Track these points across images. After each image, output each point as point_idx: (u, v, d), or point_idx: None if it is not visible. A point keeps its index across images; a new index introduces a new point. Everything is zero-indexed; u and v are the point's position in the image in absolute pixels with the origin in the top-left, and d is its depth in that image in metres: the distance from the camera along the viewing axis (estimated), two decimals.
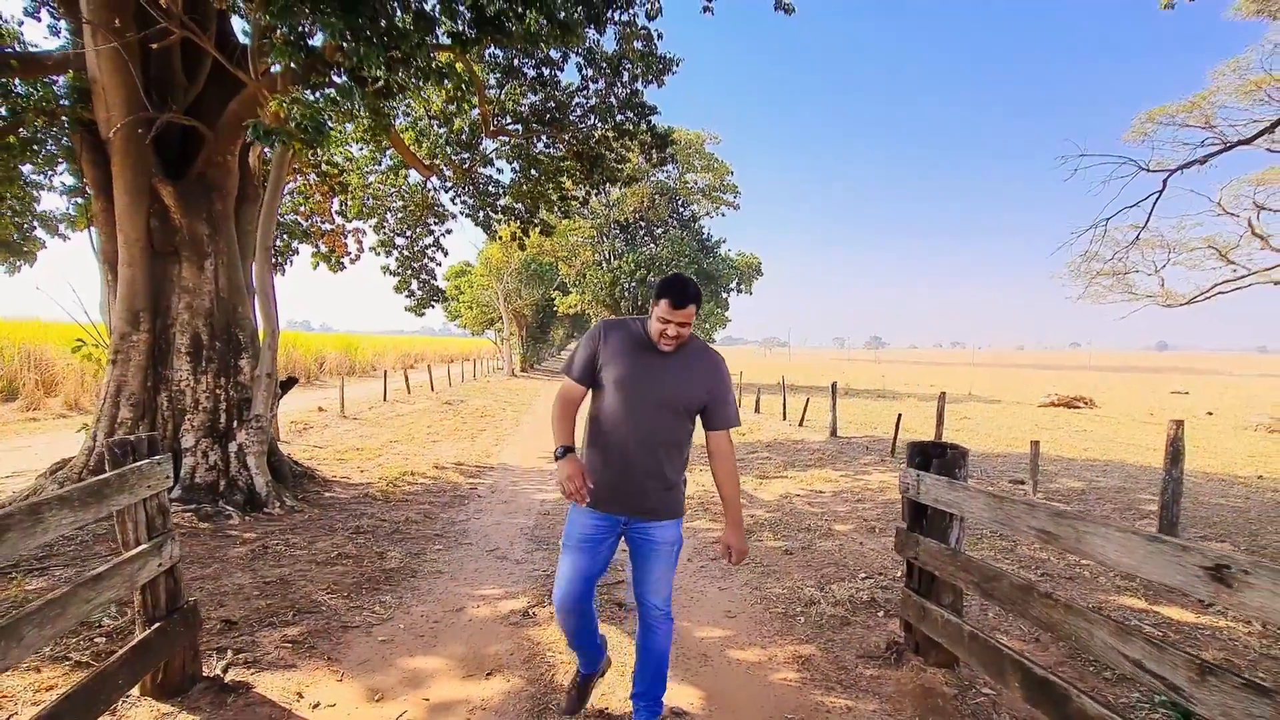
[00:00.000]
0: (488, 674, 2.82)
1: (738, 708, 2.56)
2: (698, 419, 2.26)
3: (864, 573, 4.16)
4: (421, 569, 4.29)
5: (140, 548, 2.40)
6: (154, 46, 5.05)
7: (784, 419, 13.79)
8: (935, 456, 2.85)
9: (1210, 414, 18.43)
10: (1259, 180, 13.07)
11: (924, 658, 2.91)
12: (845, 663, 2.93)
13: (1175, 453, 4.90)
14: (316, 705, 2.54)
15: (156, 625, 2.46)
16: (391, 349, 39.30)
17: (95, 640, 2.93)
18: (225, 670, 2.75)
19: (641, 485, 2.16)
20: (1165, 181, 8.96)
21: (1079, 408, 20.26)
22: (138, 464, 2.43)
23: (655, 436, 2.14)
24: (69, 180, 7.36)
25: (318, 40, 4.71)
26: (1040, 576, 4.13)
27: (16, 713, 2.35)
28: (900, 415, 9.38)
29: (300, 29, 3.46)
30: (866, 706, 2.56)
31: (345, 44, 3.30)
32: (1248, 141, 8.42)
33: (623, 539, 2.28)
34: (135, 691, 2.49)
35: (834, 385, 11.54)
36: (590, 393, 2.28)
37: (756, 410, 15.88)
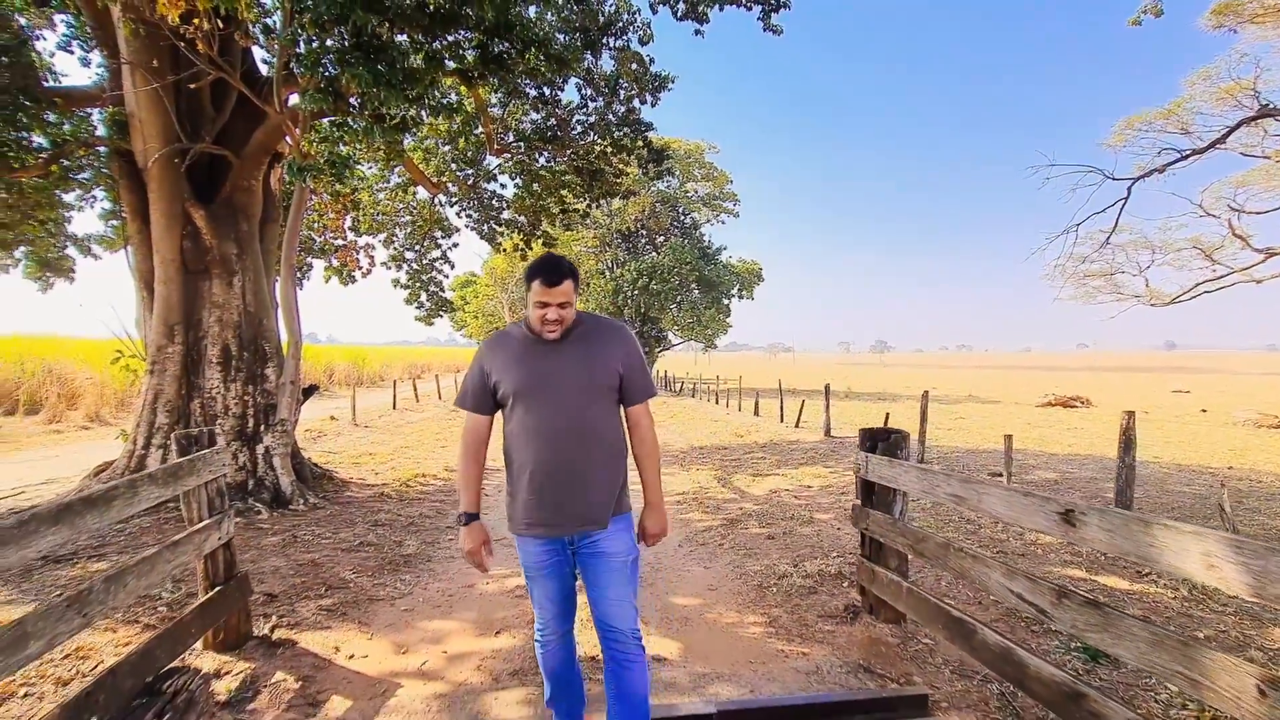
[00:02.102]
0: (496, 632, 3.27)
1: (710, 655, 2.99)
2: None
3: (836, 552, 4.58)
4: (436, 555, 4.73)
5: (204, 522, 2.87)
6: (193, 86, 5.55)
7: (781, 421, 14.20)
8: (881, 440, 3.30)
9: (1204, 411, 18.73)
10: (1239, 182, 13.48)
11: (875, 616, 3.34)
12: (807, 621, 3.36)
13: (1127, 442, 5.31)
14: (351, 656, 3.00)
15: (217, 589, 2.92)
16: (398, 359, 39.91)
17: (158, 609, 3.40)
18: (272, 631, 3.21)
19: (586, 487, 1.94)
20: (1129, 189, 9.38)
21: (1075, 407, 20.58)
22: (202, 452, 2.91)
23: (585, 427, 1.93)
24: (105, 205, 7.89)
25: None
26: (997, 553, 4.54)
27: (102, 660, 2.81)
28: (888, 414, 9.79)
29: (330, 76, 3.96)
30: (819, 652, 2.99)
31: (369, 89, 3.79)
32: (1201, 152, 8.84)
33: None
34: (198, 646, 2.94)
35: (827, 387, 11.96)
36: (504, 417, 2.04)
37: (756, 412, 16.29)
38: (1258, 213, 12.79)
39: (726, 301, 32.01)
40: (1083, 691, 1.99)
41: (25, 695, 2.53)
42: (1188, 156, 8.82)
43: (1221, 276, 11.93)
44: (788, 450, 10.07)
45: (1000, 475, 7.22)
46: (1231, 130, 8.68)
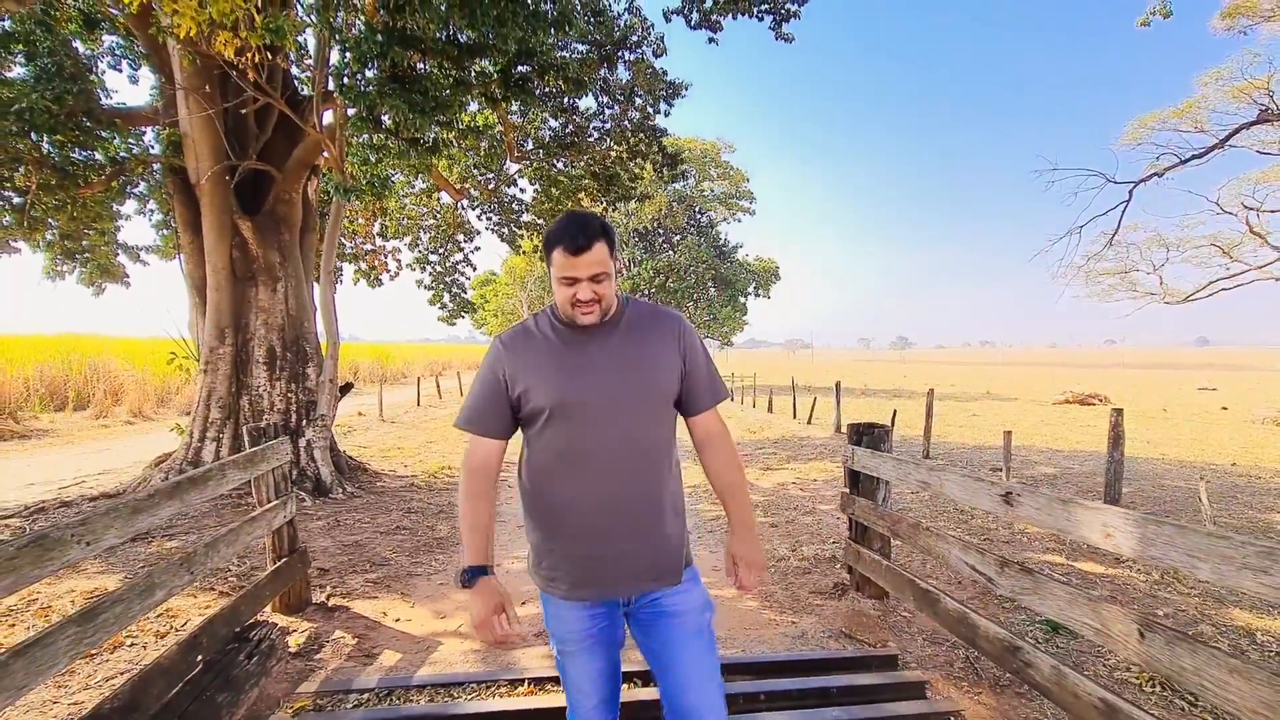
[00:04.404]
0: (523, 603, 3.69)
1: None
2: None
3: (833, 539, 4.94)
4: None
5: (273, 503, 3.33)
6: (243, 112, 6.07)
7: (794, 417, 14.50)
8: (866, 434, 3.65)
9: (1224, 409, 18.61)
10: (1258, 179, 13.46)
11: (861, 592, 3.70)
12: (799, 597, 3.74)
13: (1116, 438, 5.59)
14: (398, 620, 3.45)
15: (283, 560, 3.38)
16: (420, 357, 40.77)
17: (229, 579, 3.89)
18: (328, 598, 3.68)
19: (643, 532, 1.49)
20: (1131, 191, 9.53)
21: (1093, 404, 20.53)
22: (270, 442, 3.37)
23: (642, 450, 1.49)
24: (158, 216, 8.48)
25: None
26: (982, 540, 4.87)
27: (189, 619, 3.29)
28: (895, 411, 10.07)
29: (370, 104, 4.41)
30: (806, 621, 3.37)
31: (405, 117, 4.24)
32: (1201, 155, 8.96)
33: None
34: (268, 609, 3.41)
35: (838, 385, 12.25)
36: (526, 440, 1.55)
37: (770, 409, 16.60)
38: (1275, 211, 12.80)
39: (743, 299, 32.28)
40: (1018, 645, 2.35)
41: (131, 645, 3.01)
42: (1187, 161, 8.95)
43: (1237, 274, 11.99)
44: (798, 446, 10.40)
45: (1000, 470, 7.50)
46: (1231, 135, 8.80)
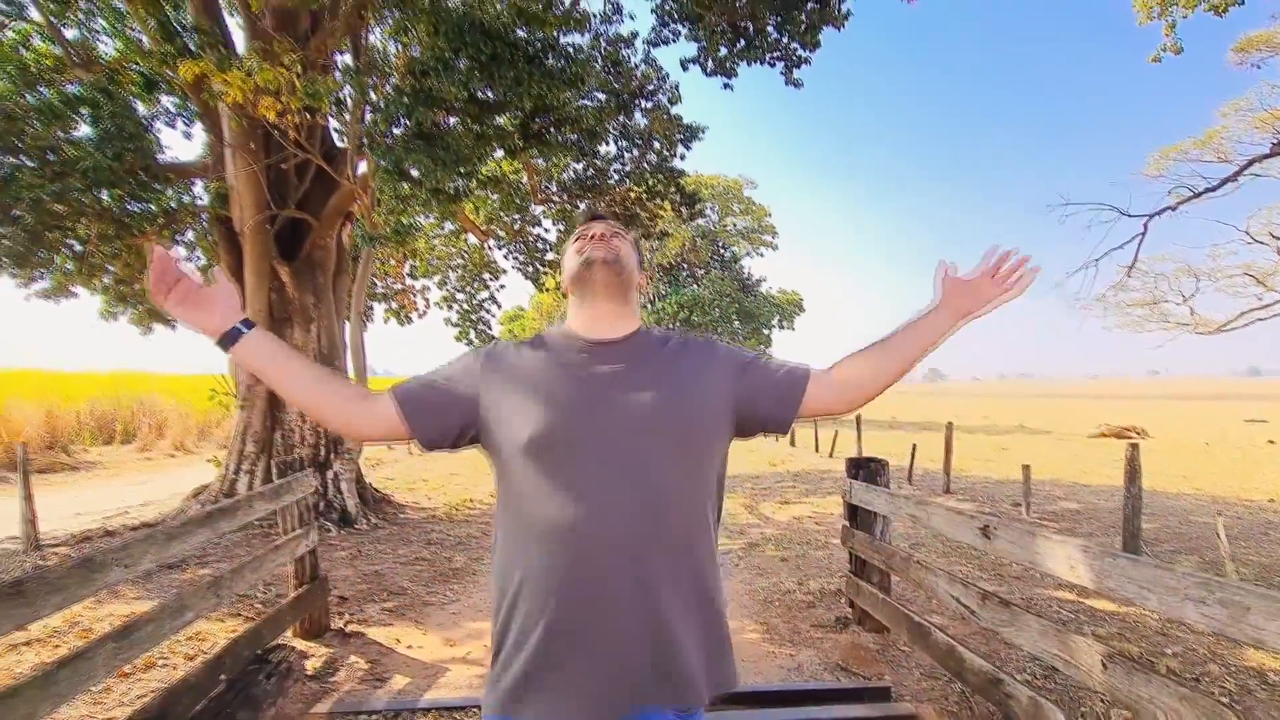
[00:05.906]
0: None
1: None
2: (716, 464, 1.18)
3: (841, 573, 4.94)
4: (480, 569, 5.34)
5: (296, 532, 3.55)
6: (283, 166, 6.56)
7: (816, 450, 14.41)
8: (862, 469, 3.74)
9: (1271, 442, 17.85)
10: None
11: (862, 626, 3.74)
12: (800, 630, 3.79)
13: (1132, 472, 5.51)
14: (410, 647, 3.60)
15: (305, 587, 3.58)
16: None
17: (255, 605, 4.10)
18: (346, 625, 3.86)
19: (672, 622, 1.04)
20: (1145, 225, 9.47)
21: (1130, 437, 19.90)
22: (296, 475, 3.61)
23: (663, 503, 1.06)
24: (202, 262, 9.06)
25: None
26: (994, 575, 4.85)
27: (216, 642, 3.50)
28: (915, 445, 10.00)
29: (396, 159, 4.78)
30: (805, 653, 3.42)
31: (429, 171, 4.59)
32: (1214, 189, 8.89)
33: None
34: (289, 634, 3.60)
35: (859, 418, 12.20)
36: (501, 486, 1.13)
37: (792, 443, 16.52)
38: None
39: (767, 332, 32.33)
40: (1000, 678, 2.40)
41: (163, 665, 3.22)
42: (1201, 194, 8.90)
43: (1268, 305, 11.69)
44: (817, 479, 10.36)
45: (1020, 505, 7.39)
46: (1245, 167, 8.74)
